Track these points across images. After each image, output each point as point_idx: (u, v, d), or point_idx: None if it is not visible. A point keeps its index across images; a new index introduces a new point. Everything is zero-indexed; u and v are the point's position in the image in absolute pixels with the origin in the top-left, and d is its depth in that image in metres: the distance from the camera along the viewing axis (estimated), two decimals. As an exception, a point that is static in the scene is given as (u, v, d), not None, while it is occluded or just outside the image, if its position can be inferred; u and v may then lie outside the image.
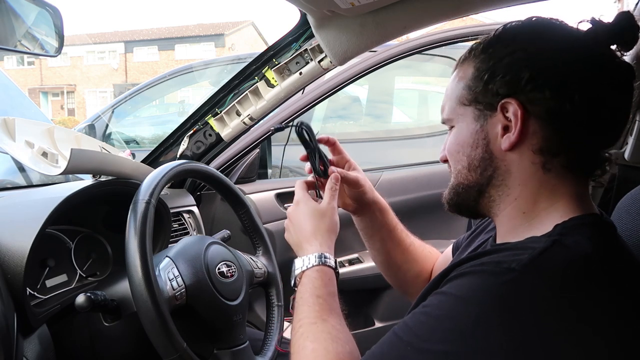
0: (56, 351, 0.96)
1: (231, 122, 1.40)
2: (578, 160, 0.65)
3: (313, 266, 0.78)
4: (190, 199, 1.53)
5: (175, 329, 0.83)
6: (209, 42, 24.66)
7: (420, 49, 1.67)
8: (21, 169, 1.55)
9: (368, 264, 1.72)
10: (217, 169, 1.50)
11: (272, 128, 0.88)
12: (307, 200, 0.86)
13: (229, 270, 1.00)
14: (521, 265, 0.56)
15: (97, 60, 26.68)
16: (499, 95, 0.65)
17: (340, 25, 1.12)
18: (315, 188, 0.91)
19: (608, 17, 0.66)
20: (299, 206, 0.86)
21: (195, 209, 1.51)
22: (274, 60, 1.31)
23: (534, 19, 0.69)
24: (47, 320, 0.96)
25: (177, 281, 0.91)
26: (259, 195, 1.72)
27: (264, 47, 1.46)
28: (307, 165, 0.92)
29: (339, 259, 1.73)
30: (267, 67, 1.32)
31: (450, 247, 0.99)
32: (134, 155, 1.40)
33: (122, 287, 0.93)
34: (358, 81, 1.68)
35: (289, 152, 2.54)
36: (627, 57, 0.68)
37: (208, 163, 1.52)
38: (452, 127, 0.73)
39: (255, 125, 1.48)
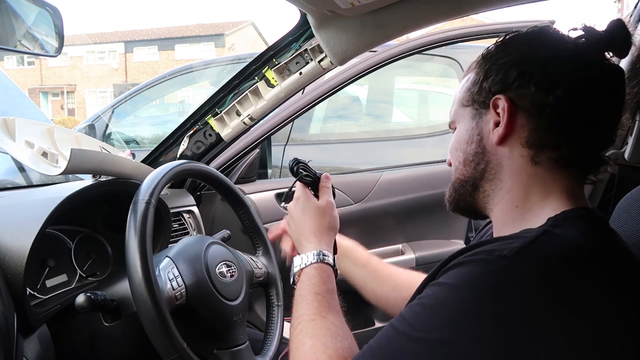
0: (56, 351, 0.96)
1: (231, 122, 1.40)
2: (568, 156, 0.67)
3: (311, 264, 0.80)
4: (190, 199, 1.53)
5: (175, 329, 0.83)
6: (209, 42, 24.67)
7: (420, 49, 1.67)
8: (21, 169, 1.55)
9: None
10: (217, 169, 1.50)
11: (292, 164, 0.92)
12: (308, 197, 0.89)
13: (229, 270, 1.00)
14: (512, 253, 0.57)
15: (97, 60, 26.68)
16: (491, 93, 0.69)
17: (340, 25, 1.12)
18: None
19: (601, 24, 0.69)
20: (299, 202, 0.89)
21: (195, 209, 1.51)
22: (274, 60, 1.31)
23: (530, 30, 0.72)
24: (47, 320, 0.96)
25: (177, 281, 0.91)
26: (259, 195, 1.72)
27: (264, 47, 1.46)
28: None
29: (339, 259, 1.73)
30: (267, 67, 1.32)
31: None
32: (134, 155, 1.40)
33: (122, 287, 0.93)
34: (358, 81, 1.68)
35: (289, 152, 2.54)
36: (625, 61, 0.70)
37: (208, 163, 1.52)
38: (454, 129, 0.77)
39: (255, 125, 1.48)
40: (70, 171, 1.09)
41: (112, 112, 3.64)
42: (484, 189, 0.72)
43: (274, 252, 1.20)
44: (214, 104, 1.41)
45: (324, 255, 0.81)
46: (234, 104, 1.38)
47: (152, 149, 1.52)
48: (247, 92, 1.36)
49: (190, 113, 1.48)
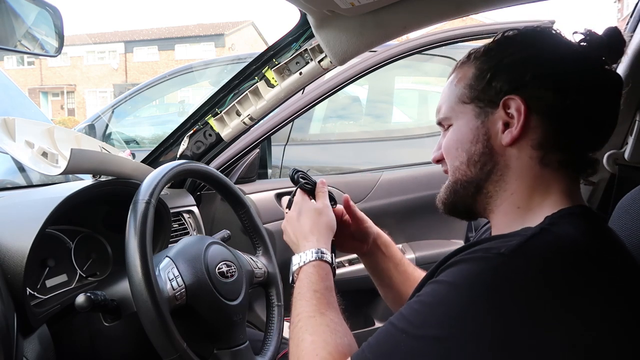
0: (56, 351, 0.96)
1: (231, 122, 1.40)
2: (572, 158, 0.68)
3: (310, 261, 0.81)
4: (190, 199, 1.53)
5: (175, 329, 0.83)
6: (209, 42, 24.66)
7: (420, 49, 1.67)
8: (21, 169, 1.55)
9: (368, 264, 1.72)
10: (217, 169, 1.50)
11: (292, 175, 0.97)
12: (305, 200, 0.91)
13: (229, 270, 1.00)
14: (509, 250, 0.57)
15: (97, 60, 26.68)
16: (502, 92, 0.68)
17: (340, 25, 1.12)
18: None
19: (599, 25, 0.73)
20: (296, 206, 0.91)
21: (195, 209, 1.51)
22: (274, 60, 1.31)
23: (530, 28, 0.72)
24: (47, 320, 0.96)
25: (177, 281, 0.91)
26: (259, 195, 1.72)
27: (264, 47, 1.46)
28: None
29: (339, 259, 1.73)
30: (267, 67, 1.32)
31: None
32: (134, 155, 1.40)
33: (122, 287, 0.93)
34: (358, 81, 1.68)
35: (289, 152, 2.54)
36: (623, 62, 0.73)
37: (208, 163, 1.52)
38: (449, 126, 0.75)
39: (255, 125, 1.48)
40: (70, 171, 1.09)
41: (112, 112, 3.64)
42: (487, 190, 0.71)
43: (273, 252, 1.20)
44: (214, 104, 1.41)
45: (322, 252, 0.82)
46: (234, 104, 1.38)
47: (152, 149, 1.52)
48: (247, 92, 1.36)
49: (190, 113, 1.48)
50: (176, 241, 1.07)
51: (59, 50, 1.26)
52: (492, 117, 0.69)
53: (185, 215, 1.46)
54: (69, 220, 1.12)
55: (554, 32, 0.71)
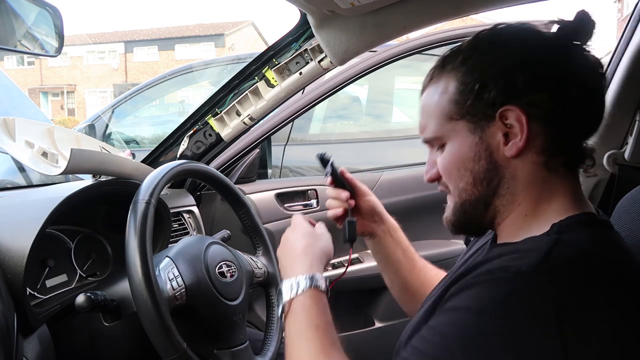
0: (56, 351, 0.96)
1: (231, 122, 1.40)
2: (574, 155, 0.67)
3: (304, 291, 0.72)
4: (190, 199, 1.53)
5: (175, 329, 0.83)
6: (209, 42, 24.66)
7: (420, 49, 1.67)
8: (21, 169, 1.55)
9: (368, 264, 1.72)
10: (217, 169, 1.50)
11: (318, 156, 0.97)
12: (305, 224, 0.86)
13: (229, 270, 1.00)
14: (530, 268, 0.55)
15: (97, 60, 26.68)
16: (497, 104, 0.64)
17: (340, 25, 1.12)
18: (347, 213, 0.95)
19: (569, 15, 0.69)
20: (295, 227, 0.85)
21: (195, 209, 1.51)
22: (274, 60, 1.31)
23: (499, 26, 0.69)
24: (47, 320, 0.96)
25: (177, 281, 0.91)
26: (259, 195, 1.72)
27: (264, 47, 1.46)
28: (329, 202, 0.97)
29: (338, 259, 1.73)
30: (267, 67, 1.32)
31: None
32: (134, 155, 1.40)
33: (122, 287, 0.93)
34: (358, 81, 1.68)
35: (289, 152, 2.54)
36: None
37: (208, 163, 1.52)
38: (442, 145, 0.70)
39: (255, 125, 1.48)
40: (70, 171, 1.09)
41: (112, 112, 3.65)
42: (495, 205, 0.68)
43: (274, 252, 1.20)
44: (214, 104, 1.41)
45: (316, 279, 0.73)
46: (234, 104, 1.38)
47: (152, 149, 1.52)
48: (247, 92, 1.36)
49: (190, 113, 1.48)
50: (176, 241, 1.07)
51: (59, 50, 1.26)
52: (489, 131, 0.65)
53: (185, 215, 1.46)
54: (69, 220, 1.12)
55: (525, 26, 0.68)
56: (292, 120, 1.65)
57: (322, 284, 0.74)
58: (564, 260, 0.57)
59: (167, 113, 5.78)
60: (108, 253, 1.19)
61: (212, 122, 1.42)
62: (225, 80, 1.39)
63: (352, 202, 0.95)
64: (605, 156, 1.32)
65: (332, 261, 1.73)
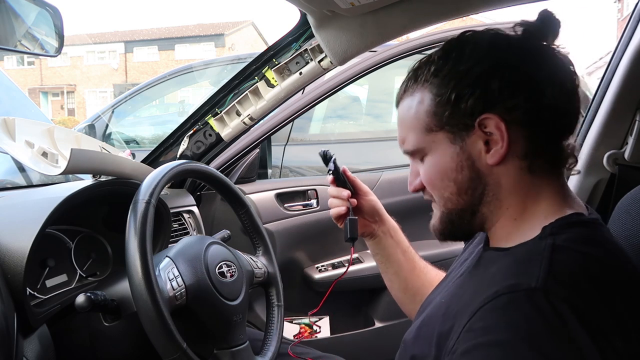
0: (56, 351, 0.96)
1: (231, 122, 1.40)
2: (556, 155, 0.67)
3: None
4: (190, 199, 1.53)
5: (175, 329, 0.83)
6: (209, 42, 24.66)
7: (420, 49, 1.67)
8: (21, 169, 1.55)
9: (368, 264, 1.72)
10: (217, 169, 1.50)
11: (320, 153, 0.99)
12: None
13: (229, 270, 1.00)
14: (540, 281, 0.55)
15: (97, 60, 26.67)
16: (474, 113, 0.64)
17: (340, 25, 1.12)
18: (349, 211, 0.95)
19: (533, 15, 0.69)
20: None
21: (195, 209, 1.51)
22: (274, 60, 1.31)
23: (466, 33, 0.69)
24: (47, 320, 0.96)
25: (177, 281, 0.91)
26: (259, 195, 1.72)
27: (264, 47, 1.46)
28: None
29: (338, 259, 1.73)
30: (267, 67, 1.32)
31: None
32: (134, 155, 1.40)
33: (122, 287, 0.93)
34: (358, 81, 1.68)
35: (289, 152, 2.54)
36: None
37: (208, 163, 1.52)
38: (423, 156, 0.71)
39: (255, 125, 1.48)
40: (70, 171, 1.09)
41: (112, 112, 3.65)
42: (482, 212, 0.68)
43: (274, 252, 1.20)
44: (214, 104, 1.41)
45: None
46: (234, 104, 1.38)
47: (152, 149, 1.52)
48: (247, 92, 1.36)
49: (190, 113, 1.48)
50: (176, 241, 1.07)
51: (59, 50, 1.26)
52: (470, 140, 0.65)
53: (185, 215, 1.46)
54: (69, 220, 1.12)
55: (492, 31, 0.68)
56: (292, 120, 1.65)
57: None
58: (567, 264, 0.57)
59: (167, 113, 5.78)
60: (108, 253, 1.19)
61: (212, 122, 1.42)
62: (225, 80, 1.39)
63: (354, 201, 0.96)
64: (605, 156, 1.32)
65: (333, 261, 1.74)
